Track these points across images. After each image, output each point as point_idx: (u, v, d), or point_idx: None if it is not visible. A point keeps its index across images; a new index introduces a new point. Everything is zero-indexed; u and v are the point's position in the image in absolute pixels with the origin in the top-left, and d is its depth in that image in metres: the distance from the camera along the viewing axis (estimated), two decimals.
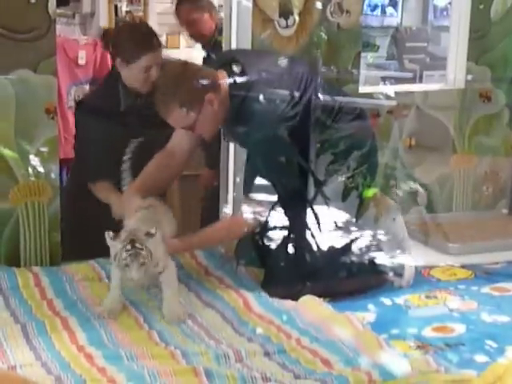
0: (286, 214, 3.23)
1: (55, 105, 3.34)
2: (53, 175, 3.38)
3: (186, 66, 3.16)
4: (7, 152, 3.30)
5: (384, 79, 4.18)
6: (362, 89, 4.04)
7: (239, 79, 3.09)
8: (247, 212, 3.17)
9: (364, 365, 2.53)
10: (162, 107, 3.05)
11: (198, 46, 5.11)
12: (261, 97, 3.07)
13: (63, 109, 4.74)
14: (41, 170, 3.35)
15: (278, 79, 3.14)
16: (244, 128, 3.10)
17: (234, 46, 3.61)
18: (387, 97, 4.11)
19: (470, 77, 4.30)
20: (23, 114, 3.29)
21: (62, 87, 4.74)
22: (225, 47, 3.66)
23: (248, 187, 3.20)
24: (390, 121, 4.20)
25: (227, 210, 3.78)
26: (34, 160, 3.33)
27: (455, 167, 4.43)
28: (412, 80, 5.88)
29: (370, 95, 4.02)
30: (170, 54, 6.59)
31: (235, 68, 3.11)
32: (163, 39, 6.95)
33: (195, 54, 6.14)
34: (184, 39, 6.96)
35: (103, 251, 3.20)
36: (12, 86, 3.25)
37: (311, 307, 2.98)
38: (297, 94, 3.12)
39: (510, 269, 3.52)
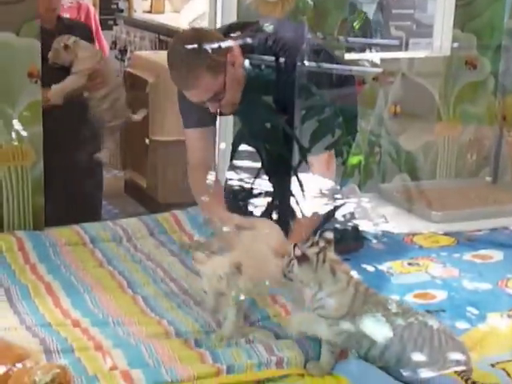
0: (270, 180, 3.23)
1: (38, 68, 3.31)
2: (36, 139, 3.37)
3: (198, 31, 3.09)
4: None
5: (370, 46, 4.15)
6: (348, 56, 4.03)
7: (223, 44, 3.07)
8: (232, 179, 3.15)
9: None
10: (186, 78, 2.89)
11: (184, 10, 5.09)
12: (246, 62, 3.05)
13: None
14: (24, 134, 3.33)
15: (264, 44, 3.13)
16: None
17: (219, 11, 3.59)
18: (373, 64, 4.10)
19: (455, 44, 4.29)
20: (6, 77, 3.26)
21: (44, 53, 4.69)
22: (210, 13, 3.64)
23: (233, 154, 3.20)
24: (376, 88, 4.19)
25: (211, 176, 3.78)
26: (17, 124, 3.31)
27: (440, 135, 4.44)
28: (398, 47, 5.86)
29: (355, 62, 4.01)
30: (154, 18, 6.57)
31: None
32: (148, 3, 6.91)
33: (181, 19, 6.10)
34: (169, 3, 6.92)
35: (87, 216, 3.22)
36: None
37: None
38: (282, 60, 3.10)
39: (492, 236, 3.54)
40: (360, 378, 2.20)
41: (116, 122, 3.88)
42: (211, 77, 2.87)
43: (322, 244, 2.32)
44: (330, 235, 2.34)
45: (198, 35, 2.98)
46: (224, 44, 2.94)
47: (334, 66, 3.30)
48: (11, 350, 2.14)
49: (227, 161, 3.34)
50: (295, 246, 2.31)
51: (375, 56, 4.16)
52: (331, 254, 2.32)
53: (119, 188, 5.45)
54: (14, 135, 3.31)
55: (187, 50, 2.89)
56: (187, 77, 2.87)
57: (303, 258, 2.26)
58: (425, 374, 2.19)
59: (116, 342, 2.47)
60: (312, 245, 2.31)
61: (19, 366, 2.04)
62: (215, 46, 2.91)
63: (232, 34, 3.05)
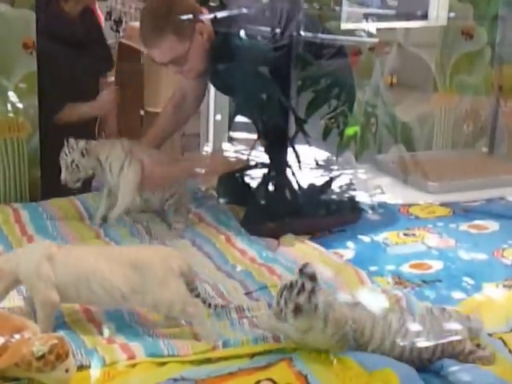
0: (266, 152, 3.22)
1: (34, 39, 3.29)
2: (32, 111, 3.36)
3: None
4: None
5: (366, 16, 4.13)
6: (344, 25, 4.00)
7: (219, 15, 3.06)
8: (228, 151, 3.15)
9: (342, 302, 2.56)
10: (151, 36, 2.95)
11: None
12: (241, 33, 3.03)
13: None
14: (19, 105, 3.32)
15: (260, 15, 3.11)
16: (225, 65, 3.07)
17: None
18: (369, 34, 4.08)
19: (452, 14, 4.27)
20: (0, 49, 3.24)
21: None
22: None
23: (229, 125, 3.20)
24: (372, 58, 4.18)
25: (208, 148, 3.78)
26: (13, 96, 3.30)
27: (436, 105, 4.43)
28: (394, 17, 5.83)
29: (351, 32, 3.99)
30: None
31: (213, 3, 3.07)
32: None
33: None
34: None
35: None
36: None
37: (293, 245, 3.00)
38: (278, 30, 3.09)
39: (488, 207, 3.54)
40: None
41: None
42: (175, 40, 2.93)
43: (308, 286, 2.13)
44: (310, 270, 2.16)
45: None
46: (196, 13, 2.98)
47: (329, 36, 3.29)
48: (9, 321, 2.14)
49: (223, 132, 3.34)
50: (286, 298, 2.13)
51: (371, 26, 4.14)
52: (322, 296, 2.16)
53: None
54: (9, 107, 3.30)
55: (157, 10, 2.96)
56: (152, 35, 2.94)
57: (297, 310, 2.11)
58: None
59: (110, 315, 2.47)
60: (299, 291, 2.12)
61: (17, 337, 2.05)
62: (186, 12, 2.95)
63: (211, 4, 3.08)
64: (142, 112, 4.97)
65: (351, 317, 2.18)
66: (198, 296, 2.36)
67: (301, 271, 2.15)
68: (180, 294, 2.29)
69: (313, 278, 2.15)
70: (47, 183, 3.48)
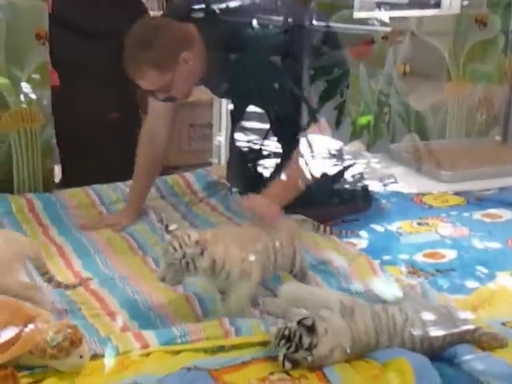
0: (278, 141, 3.22)
1: (46, 30, 3.30)
2: (45, 102, 3.37)
3: (157, 22, 2.96)
4: None
5: (379, 5, 4.11)
6: (357, 14, 3.99)
7: (231, 4, 3.05)
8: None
9: (355, 291, 2.56)
10: (133, 68, 2.82)
11: None
12: (254, 22, 3.03)
13: None
14: (32, 96, 3.33)
15: (272, 3, 3.10)
16: (236, 55, 3.06)
17: None
18: (382, 23, 4.07)
19: (465, 2, 4.25)
20: (13, 39, 3.25)
21: None
22: None
23: (241, 115, 3.18)
24: (385, 47, 4.16)
25: (221, 138, 3.78)
26: (26, 87, 3.31)
27: (449, 94, 4.41)
28: (407, 5, 5.81)
29: (364, 21, 3.98)
30: None
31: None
32: None
33: None
34: None
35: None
36: (1, 12, 3.21)
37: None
38: (290, 19, 3.08)
39: (501, 195, 3.53)
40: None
41: None
42: (155, 74, 2.80)
43: (306, 342, 2.04)
44: (309, 322, 2.06)
45: (154, 27, 2.84)
46: (181, 39, 2.83)
47: (344, 25, 3.28)
48: (22, 310, 2.15)
49: (235, 122, 3.33)
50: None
51: (384, 14, 4.12)
52: (320, 350, 2.07)
53: None
54: (22, 97, 3.31)
55: (138, 42, 2.79)
56: (132, 67, 2.81)
57: (295, 365, 2.05)
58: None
59: (124, 303, 2.48)
60: (297, 348, 2.04)
61: (30, 325, 2.06)
62: (170, 43, 2.79)
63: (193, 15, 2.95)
64: None
65: (354, 336, 2.14)
66: (50, 280, 2.43)
67: (299, 323, 2.07)
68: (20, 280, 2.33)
69: (311, 329, 2.06)
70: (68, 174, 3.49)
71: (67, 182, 3.65)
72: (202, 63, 2.91)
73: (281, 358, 2.06)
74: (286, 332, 2.07)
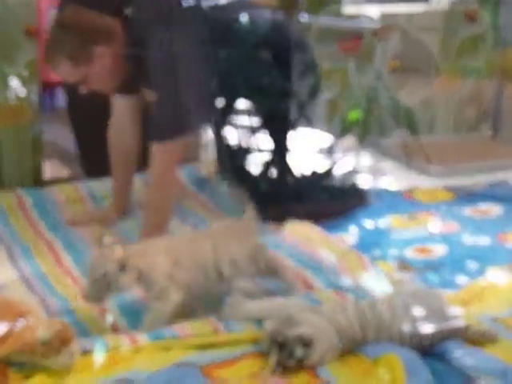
0: (268, 136, 3.22)
1: (36, 26, 3.29)
2: (34, 97, 3.36)
3: (76, 14, 2.79)
4: None
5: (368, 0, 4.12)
6: (346, 9, 3.99)
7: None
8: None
9: (344, 286, 2.56)
10: (50, 57, 2.78)
11: None
12: (242, 17, 3.03)
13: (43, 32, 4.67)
14: (21, 92, 3.32)
15: None
16: (226, 50, 3.06)
17: None
18: (371, 18, 4.07)
19: None
20: (3, 35, 3.24)
21: (40, 9, 4.65)
22: None
23: (230, 111, 3.17)
24: (374, 42, 4.16)
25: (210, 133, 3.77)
26: (15, 82, 3.29)
27: (439, 89, 4.42)
28: (396, 1, 5.81)
29: (353, 16, 3.98)
30: None
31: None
32: None
33: None
34: None
35: None
36: None
37: (296, 230, 3.00)
38: (279, 14, 3.08)
39: (491, 191, 3.54)
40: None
41: None
42: (69, 65, 2.75)
43: (299, 353, 2.03)
44: (307, 341, 2.03)
45: (72, 19, 2.77)
46: (98, 34, 2.75)
47: (332, 20, 3.28)
48: (12, 306, 2.15)
49: (225, 117, 3.33)
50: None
51: (373, 10, 4.12)
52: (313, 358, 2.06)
53: None
54: (11, 93, 3.30)
55: (56, 31, 2.76)
56: (49, 58, 2.78)
57: (285, 370, 2.04)
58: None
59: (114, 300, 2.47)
60: (289, 355, 2.04)
61: (21, 322, 2.05)
62: (87, 36, 2.72)
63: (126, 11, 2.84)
64: None
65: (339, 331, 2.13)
66: None
67: (298, 336, 2.05)
68: None
69: (307, 344, 2.05)
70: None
71: (87, 172, 3.60)
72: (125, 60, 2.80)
73: (272, 362, 2.05)
74: (280, 339, 2.06)
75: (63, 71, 2.78)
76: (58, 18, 2.83)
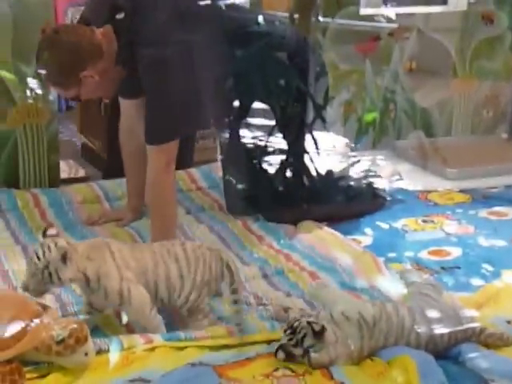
0: (284, 138, 3.22)
1: (53, 25, 3.30)
2: (51, 97, 3.37)
3: (57, 35, 2.67)
4: (5, 74, 3.28)
5: (385, 1, 4.11)
6: (363, 11, 3.99)
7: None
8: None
9: (359, 287, 2.56)
10: (44, 78, 2.78)
11: None
12: (260, 18, 3.03)
13: None
14: (39, 92, 3.33)
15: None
16: (243, 51, 3.06)
17: None
18: (388, 19, 4.06)
19: None
20: (20, 35, 3.25)
21: (58, 8, 4.67)
22: None
23: (246, 112, 3.17)
24: (391, 44, 4.16)
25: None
26: (32, 82, 3.31)
27: (455, 91, 4.40)
28: (414, 2, 5.79)
29: (370, 17, 3.98)
30: None
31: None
32: None
33: None
34: None
35: None
36: (8, 7, 3.21)
37: (311, 231, 3.00)
38: (296, 16, 3.08)
39: (507, 193, 3.53)
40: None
41: None
42: (60, 88, 2.75)
43: (308, 342, 2.05)
44: (317, 327, 2.05)
45: (52, 41, 2.67)
46: (82, 56, 2.63)
47: (350, 21, 3.28)
48: (28, 305, 2.15)
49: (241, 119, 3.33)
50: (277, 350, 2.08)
51: (391, 11, 4.11)
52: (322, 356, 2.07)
53: None
54: (28, 93, 3.32)
55: (40, 56, 2.68)
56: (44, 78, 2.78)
57: (289, 358, 2.06)
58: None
59: None
60: (297, 343, 2.06)
61: (36, 321, 2.06)
62: (71, 62, 2.62)
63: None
64: None
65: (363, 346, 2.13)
66: None
67: (309, 323, 2.06)
68: None
69: (318, 334, 2.05)
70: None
71: (110, 172, 3.60)
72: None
73: (278, 346, 2.07)
74: (296, 324, 2.08)
75: (58, 92, 2.83)
76: (41, 41, 2.74)
